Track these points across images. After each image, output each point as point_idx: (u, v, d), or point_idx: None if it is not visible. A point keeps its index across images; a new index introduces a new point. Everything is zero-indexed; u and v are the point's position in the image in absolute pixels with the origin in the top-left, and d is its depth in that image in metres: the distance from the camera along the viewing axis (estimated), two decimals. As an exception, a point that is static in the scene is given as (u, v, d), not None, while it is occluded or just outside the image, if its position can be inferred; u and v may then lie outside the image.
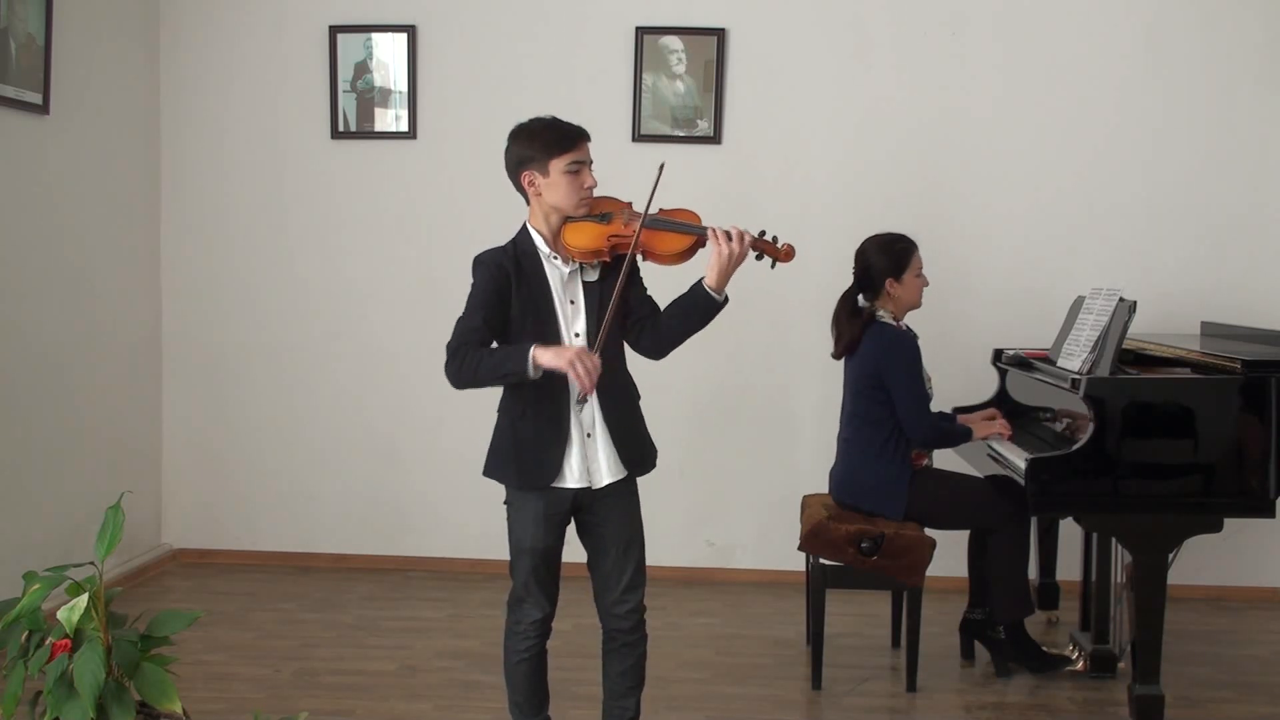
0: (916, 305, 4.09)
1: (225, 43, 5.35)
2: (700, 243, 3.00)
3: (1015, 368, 4.39)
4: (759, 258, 3.02)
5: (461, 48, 5.28)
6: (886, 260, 4.01)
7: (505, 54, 5.26)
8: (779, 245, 3.01)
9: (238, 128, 5.37)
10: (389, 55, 5.28)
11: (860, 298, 4.08)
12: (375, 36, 5.27)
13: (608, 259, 3.00)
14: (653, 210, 2.97)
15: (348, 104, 5.30)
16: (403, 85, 5.27)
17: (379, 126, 5.31)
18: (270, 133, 5.37)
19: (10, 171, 4.38)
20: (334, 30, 5.27)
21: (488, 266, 2.96)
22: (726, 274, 2.96)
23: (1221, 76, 5.05)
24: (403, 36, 5.26)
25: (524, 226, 3.04)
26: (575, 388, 2.87)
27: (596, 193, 3.01)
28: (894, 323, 4.04)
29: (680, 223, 3.00)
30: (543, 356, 2.80)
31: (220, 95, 5.37)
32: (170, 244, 5.42)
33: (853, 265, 4.10)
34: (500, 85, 5.25)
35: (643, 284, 3.10)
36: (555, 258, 2.99)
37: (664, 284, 3.17)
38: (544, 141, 2.94)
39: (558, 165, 2.94)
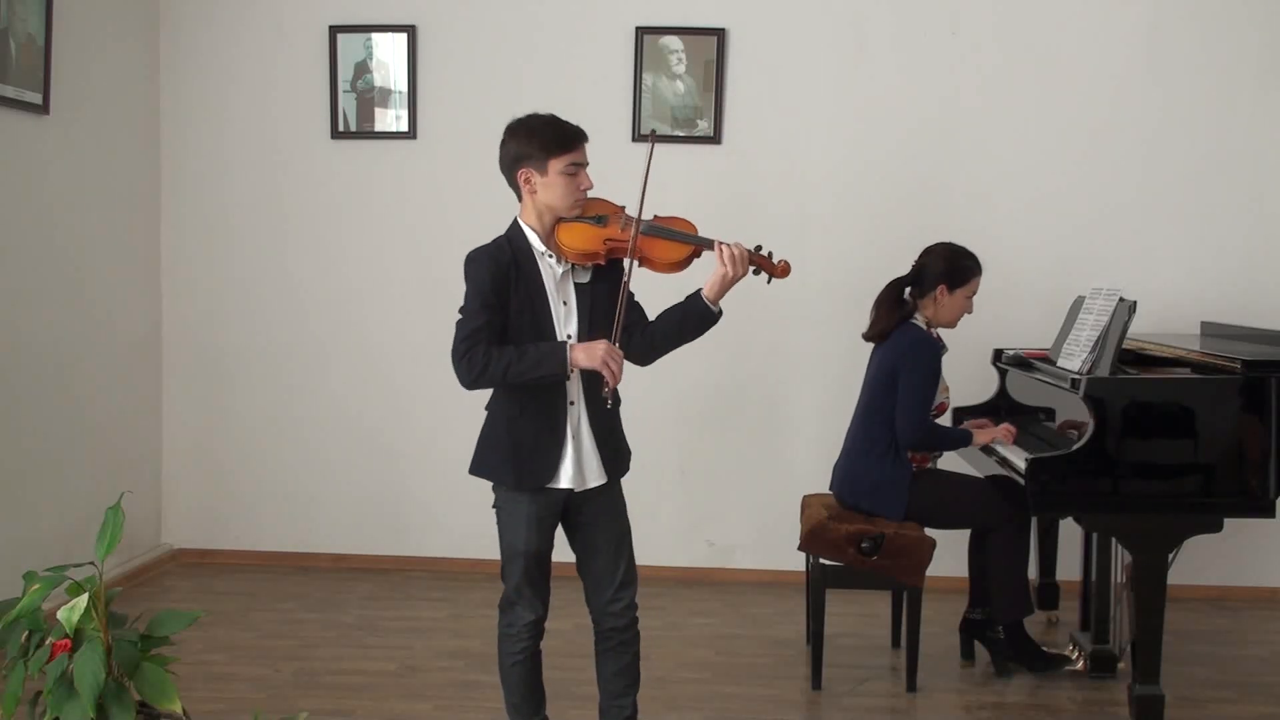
0: (951, 325, 4.10)
1: (225, 43, 5.35)
2: (697, 253, 3.00)
3: (1015, 368, 4.40)
4: (755, 273, 3.00)
5: (461, 48, 5.27)
6: (948, 268, 4.03)
7: (505, 54, 5.26)
8: (775, 262, 3.01)
9: (238, 128, 5.37)
10: (389, 55, 5.28)
11: (908, 291, 4.08)
12: (375, 36, 5.27)
13: (603, 262, 2.98)
14: (648, 216, 2.96)
15: (348, 104, 5.30)
16: (403, 85, 5.27)
17: (379, 126, 5.31)
18: (270, 133, 5.36)
19: (10, 171, 4.38)
20: (334, 30, 5.27)
21: (486, 263, 2.93)
22: (725, 290, 2.96)
23: (1222, 76, 5.05)
24: (403, 36, 5.26)
25: (515, 222, 3.02)
26: (577, 390, 2.90)
27: (591, 194, 3.00)
28: (925, 328, 4.04)
29: (678, 232, 2.99)
30: (579, 355, 2.82)
31: (220, 95, 5.37)
32: (170, 244, 5.42)
33: (916, 258, 4.10)
34: (500, 85, 5.25)
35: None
36: (550, 255, 2.98)
37: (658, 291, 3.17)
38: (543, 140, 2.92)
39: (556, 165, 2.92)
